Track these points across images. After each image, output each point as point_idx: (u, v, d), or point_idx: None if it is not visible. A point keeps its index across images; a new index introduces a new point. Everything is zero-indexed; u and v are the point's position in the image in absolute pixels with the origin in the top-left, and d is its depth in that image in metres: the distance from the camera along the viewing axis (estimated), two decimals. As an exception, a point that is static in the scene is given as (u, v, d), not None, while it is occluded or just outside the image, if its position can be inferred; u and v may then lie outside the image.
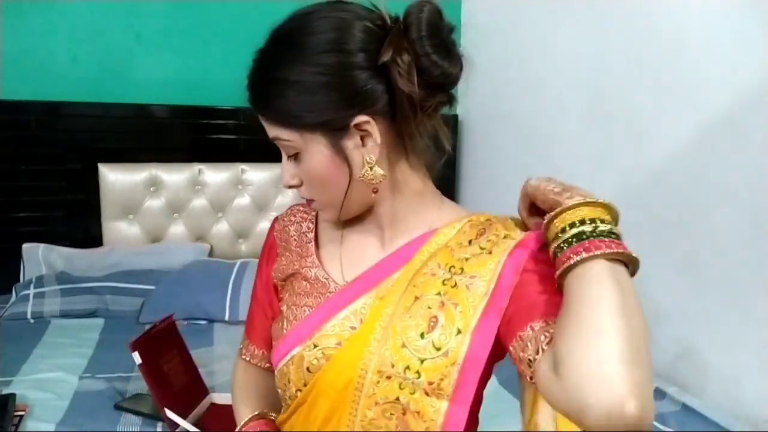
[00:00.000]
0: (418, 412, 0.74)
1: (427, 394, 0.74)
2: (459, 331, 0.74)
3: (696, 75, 1.73)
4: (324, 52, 0.73)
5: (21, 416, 1.44)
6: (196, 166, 2.45)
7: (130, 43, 2.45)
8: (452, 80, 0.77)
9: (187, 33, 2.49)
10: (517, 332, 0.70)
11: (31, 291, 2.14)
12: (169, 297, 2.13)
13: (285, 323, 0.84)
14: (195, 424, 1.46)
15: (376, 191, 0.79)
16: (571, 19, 2.22)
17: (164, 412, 1.42)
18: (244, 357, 0.96)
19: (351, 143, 0.75)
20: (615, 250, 0.65)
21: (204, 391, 1.60)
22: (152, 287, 2.18)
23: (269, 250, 0.94)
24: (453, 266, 0.78)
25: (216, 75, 2.49)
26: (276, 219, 0.96)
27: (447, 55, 0.75)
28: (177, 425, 1.42)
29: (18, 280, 2.29)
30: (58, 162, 2.38)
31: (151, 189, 2.44)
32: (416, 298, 0.77)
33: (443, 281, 0.77)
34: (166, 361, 1.52)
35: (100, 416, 1.50)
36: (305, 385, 0.79)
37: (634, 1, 1.94)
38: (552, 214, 0.70)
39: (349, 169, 0.76)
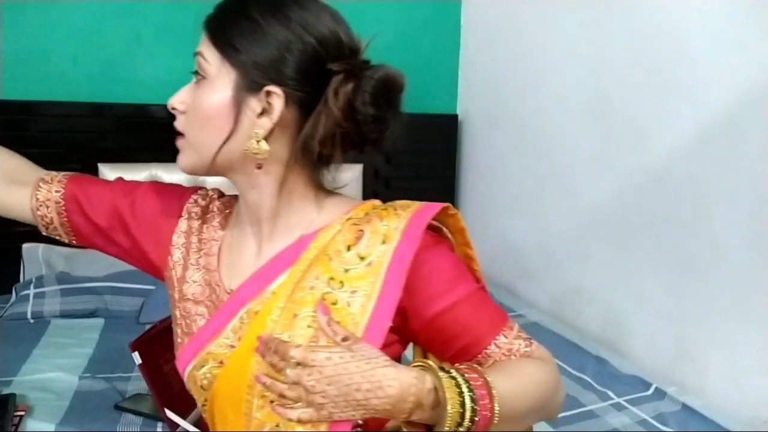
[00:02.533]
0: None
1: None
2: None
3: (696, 75, 1.73)
4: (292, 20, 0.73)
5: (21, 416, 1.44)
6: (196, 166, 2.45)
7: (130, 43, 2.45)
8: (366, 143, 0.77)
9: (187, 33, 2.47)
10: (482, 351, 0.76)
11: (31, 291, 2.14)
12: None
13: (180, 333, 0.85)
14: (195, 424, 1.45)
15: (259, 167, 0.77)
16: (571, 19, 2.22)
17: (164, 412, 1.42)
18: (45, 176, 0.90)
19: (252, 104, 0.73)
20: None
21: (204, 391, 1.60)
22: (152, 287, 2.17)
23: (174, 199, 0.90)
24: (332, 278, 0.75)
25: (216, 75, 2.49)
26: (196, 190, 0.91)
27: (379, 123, 0.75)
28: (177, 425, 1.42)
29: (18, 280, 2.29)
30: (58, 162, 2.36)
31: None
32: (295, 315, 0.75)
33: (323, 296, 0.75)
34: (166, 361, 1.51)
35: (100, 416, 1.50)
36: (206, 401, 0.81)
37: (634, 1, 1.94)
38: None
39: (234, 125, 0.74)
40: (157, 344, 1.51)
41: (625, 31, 1.98)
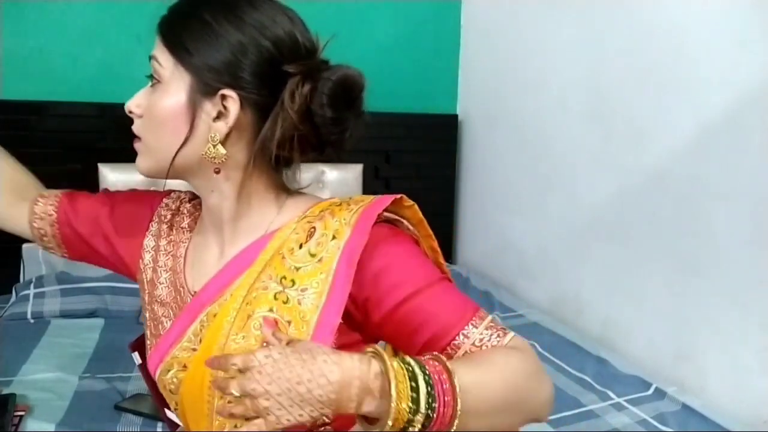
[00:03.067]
0: None
1: None
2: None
3: (696, 75, 1.73)
4: (246, 22, 0.72)
5: (21, 416, 1.43)
6: (196, 166, 2.45)
7: (130, 43, 2.44)
8: (326, 145, 0.77)
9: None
10: (450, 343, 0.71)
11: (31, 291, 2.14)
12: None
13: (149, 336, 0.86)
14: (195, 424, 1.46)
15: (218, 171, 0.76)
16: (571, 19, 2.22)
17: (164, 412, 1.42)
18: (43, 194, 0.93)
19: (208, 108, 0.73)
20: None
21: (204, 391, 1.60)
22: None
23: (147, 204, 0.92)
24: (284, 277, 0.75)
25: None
26: (169, 194, 0.93)
27: (338, 124, 0.74)
28: (177, 425, 1.42)
29: (18, 280, 2.29)
30: (58, 162, 2.38)
31: (151, 189, 2.43)
32: (248, 316, 0.74)
33: (275, 295, 0.74)
34: (166, 361, 1.51)
35: (100, 416, 1.50)
36: (177, 404, 0.82)
37: (634, 1, 1.94)
38: None
39: (189, 130, 0.73)
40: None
41: (625, 31, 1.98)
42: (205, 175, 0.77)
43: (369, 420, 0.60)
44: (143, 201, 0.93)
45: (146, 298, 0.88)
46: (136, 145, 0.79)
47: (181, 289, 0.84)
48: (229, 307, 0.76)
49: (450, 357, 0.69)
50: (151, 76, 0.76)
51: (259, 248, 0.78)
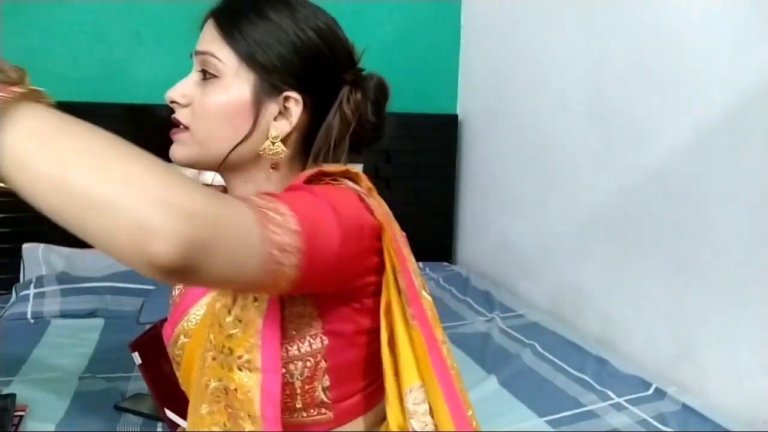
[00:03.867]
0: (236, 389, 0.72)
1: (239, 369, 0.71)
2: (255, 299, 0.72)
3: (696, 75, 1.73)
4: (310, 27, 0.76)
5: (21, 416, 1.43)
6: (196, 166, 2.45)
7: (130, 43, 2.45)
8: (364, 146, 0.83)
9: (187, 33, 2.49)
10: None
11: (31, 291, 2.14)
12: (170, 297, 2.13)
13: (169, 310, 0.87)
14: (195, 424, 1.46)
15: (275, 167, 0.78)
16: (571, 19, 2.22)
17: (164, 412, 1.42)
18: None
19: (272, 107, 0.75)
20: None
21: (204, 391, 1.60)
22: (152, 287, 2.18)
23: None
24: None
25: (216, 75, 2.50)
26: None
27: (378, 128, 0.82)
28: (177, 425, 1.42)
29: (18, 280, 2.29)
30: (58, 162, 2.38)
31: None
32: None
33: None
34: (166, 361, 1.51)
35: (100, 416, 1.50)
36: (183, 382, 0.84)
37: (634, 1, 1.95)
38: None
39: (252, 126, 0.75)
40: (157, 344, 1.50)
41: (625, 31, 1.98)
42: (251, 169, 0.79)
43: None
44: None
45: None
46: (179, 135, 0.77)
47: None
48: None
49: None
50: (202, 71, 0.75)
51: None
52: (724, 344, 1.69)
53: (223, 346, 0.72)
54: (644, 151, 1.92)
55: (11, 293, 2.21)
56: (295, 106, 0.75)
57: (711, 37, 1.69)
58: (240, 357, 0.71)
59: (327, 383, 0.75)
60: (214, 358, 0.74)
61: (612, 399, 1.67)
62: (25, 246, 2.32)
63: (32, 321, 2.05)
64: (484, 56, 2.76)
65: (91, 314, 2.12)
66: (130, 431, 1.47)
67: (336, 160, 0.81)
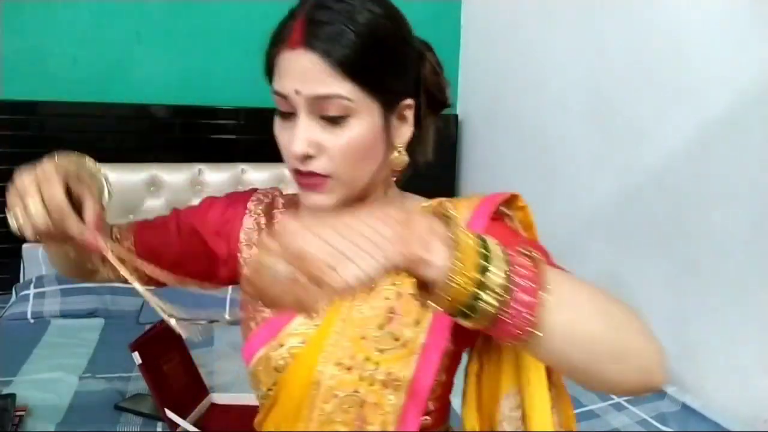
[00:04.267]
0: (375, 404, 0.73)
1: (384, 386, 0.73)
2: (417, 322, 0.73)
3: (696, 75, 1.73)
4: (404, 36, 0.76)
5: (21, 416, 1.43)
6: (196, 166, 2.44)
7: (130, 43, 2.45)
8: (440, 108, 0.86)
9: (187, 33, 2.49)
10: None
11: (31, 291, 2.14)
12: (169, 297, 2.13)
13: (252, 322, 0.84)
14: (195, 425, 1.46)
15: (396, 173, 0.79)
16: (571, 19, 2.22)
17: (164, 412, 1.42)
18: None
19: (395, 122, 0.75)
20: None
21: (204, 392, 1.60)
22: (152, 287, 2.18)
23: (237, 201, 0.90)
24: None
25: (216, 75, 2.50)
26: (257, 191, 0.92)
27: (446, 84, 0.85)
28: (177, 425, 1.42)
29: (18, 280, 2.29)
30: (58, 162, 2.38)
31: (151, 189, 2.43)
32: (371, 288, 0.75)
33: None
34: (166, 361, 1.52)
35: (100, 416, 1.50)
36: (275, 384, 0.79)
37: (634, 1, 1.94)
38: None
39: (386, 148, 0.75)
40: (157, 344, 1.51)
41: (625, 31, 1.98)
42: (382, 181, 0.80)
43: (429, 290, 0.54)
44: (232, 199, 0.92)
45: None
46: (322, 185, 0.72)
47: None
48: None
49: None
50: (329, 117, 0.69)
51: None
52: (724, 344, 1.69)
53: (367, 359, 0.73)
54: (644, 151, 1.92)
55: (11, 293, 2.22)
56: (409, 111, 0.76)
57: (711, 37, 1.69)
58: (389, 374, 0.72)
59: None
60: (349, 369, 0.73)
61: (612, 399, 1.67)
62: (25, 246, 2.32)
63: (32, 321, 2.05)
64: (484, 56, 2.76)
65: (91, 314, 2.12)
66: (130, 431, 1.47)
67: (425, 144, 0.83)
